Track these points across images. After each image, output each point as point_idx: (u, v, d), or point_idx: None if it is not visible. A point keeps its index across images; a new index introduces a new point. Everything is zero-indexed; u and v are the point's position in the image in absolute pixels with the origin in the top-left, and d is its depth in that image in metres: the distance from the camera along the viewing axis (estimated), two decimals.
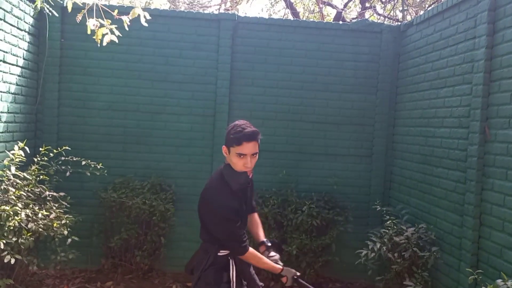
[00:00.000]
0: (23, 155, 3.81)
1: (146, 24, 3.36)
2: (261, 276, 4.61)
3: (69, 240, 3.94)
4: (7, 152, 3.94)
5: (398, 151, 4.94)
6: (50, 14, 4.55)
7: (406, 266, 3.84)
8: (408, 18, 8.74)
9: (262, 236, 2.90)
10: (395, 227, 4.09)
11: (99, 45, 3.45)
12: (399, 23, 5.82)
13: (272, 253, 2.80)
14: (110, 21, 3.33)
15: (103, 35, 3.30)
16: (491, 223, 3.25)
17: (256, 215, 2.97)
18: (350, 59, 5.17)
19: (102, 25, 3.24)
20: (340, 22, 6.07)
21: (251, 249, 2.63)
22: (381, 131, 5.16)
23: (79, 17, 3.39)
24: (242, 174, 2.57)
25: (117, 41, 3.46)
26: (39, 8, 4.39)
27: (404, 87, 4.86)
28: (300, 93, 5.14)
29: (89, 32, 3.31)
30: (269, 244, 2.85)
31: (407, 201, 4.60)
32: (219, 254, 2.64)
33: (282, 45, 5.11)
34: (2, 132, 4.04)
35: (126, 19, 3.32)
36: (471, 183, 3.43)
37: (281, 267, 2.72)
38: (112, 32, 3.34)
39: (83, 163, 4.28)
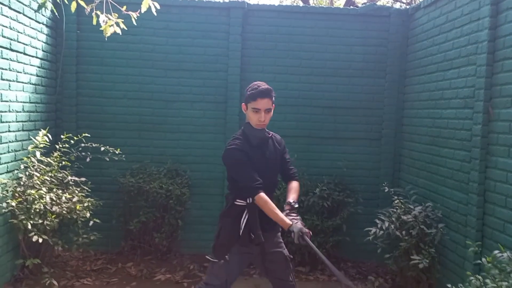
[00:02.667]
0: (48, 141, 4.03)
1: (156, 14, 3.54)
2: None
3: (91, 222, 4.16)
4: (32, 139, 4.15)
5: (407, 133, 5.03)
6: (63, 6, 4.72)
7: (414, 243, 3.96)
8: (416, 1, 8.71)
9: (291, 198, 2.91)
10: (403, 206, 4.21)
11: (106, 38, 3.67)
12: (407, 7, 5.86)
13: (294, 215, 2.78)
14: (117, 15, 3.52)
15: (109, 26, 3.50)
16: (494, 200, 3.35)
17: (294, 182, 3.05)
18: (359, 44, 5.25)
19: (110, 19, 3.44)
20: (349, 7, 6.13)
21: (263, 194, 2.71)
22: (390, 114, 5.25)
23: (87, 10, 3.59)
24: (261, 130, 2.86)
25: (120, 34, 3.65)
26: (45, 5, 4.54)
27: (412, 70, 4.94)
28: (310, 79, 5.24)
29: (94, 22, 3.51)
30: (296, 205, 2.86)
31: (415, 182, 4.70)
32: (235, 203, 2.83)
33: (291, 32, 5.22)
34: (25, 121, 4.26)
35: (133, 14, 3.51)
36: (476, 162, 3.53)
37: (290, 222, 2.67)
38: (117, 25, 3.53)
39: (102, 149, 4.47)
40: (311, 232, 2.70)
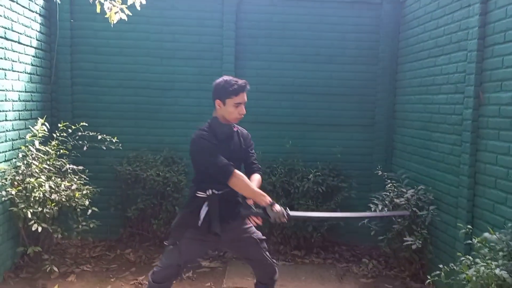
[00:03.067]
0: (46, 130, 4.06)
1: (144, 2, 3.56)
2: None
3: (90, 211, 4.21)
4: (31, 128, 4.18)
5: (399, 119, 5.12)
6: None
7: (406, 225, 4.08)
8: None
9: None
10: (395, 190, 4.32)
11: (112, 25, 3.68)
12: None
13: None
14: (120, 0, 3.53)
15: (114, 13, 3.53)
16: (484, 182, 3.46)
17: (256, 175, 3.09)
18: (352, 31, 5.31)
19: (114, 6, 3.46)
20: None
21: (238, 172, 2.80)
22: (383, 100, 5.33)
23: None
24: (228, 125, 2.97)
25: (126, 19, 3.66)
26: None
27: (404, 57, 5.02)
28: (304, 66, 5.31)
29: (98, 11, 3.52)
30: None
31: (407, 166, 4.81)
32: (197, 195, 2.90)
33: (285, 19, 5.26)
34: (21, 111, 4.28)
35: (137, 1, 3.53)
36: (466, 145, 3.63)
37: (269, 198, 2.79)
38: (122, 11, 3.55)
39: (99, 137, 4.50)
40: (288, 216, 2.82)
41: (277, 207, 2.79)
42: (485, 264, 2.63)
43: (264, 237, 3.11)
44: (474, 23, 3.58)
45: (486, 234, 2.80)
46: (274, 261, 3.14)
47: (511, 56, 3.18)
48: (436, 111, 4.22)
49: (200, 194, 2.91)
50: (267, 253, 3.09)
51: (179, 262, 2.88)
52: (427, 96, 4.41)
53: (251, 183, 2.89)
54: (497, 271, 2.42)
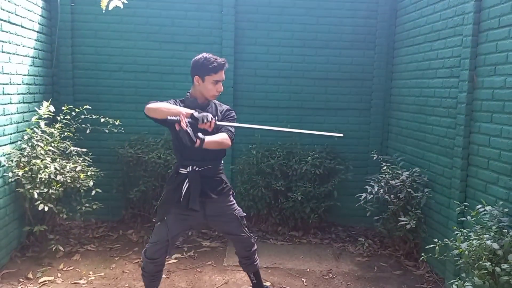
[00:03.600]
0: (51, 111, 4.13)
1: None
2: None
3: (93, 192, 4.31)
4: (36, 109, 4.25)
5: (395, 103, 5.23)
6: None
7: (401, 205, 4.22)
8: None
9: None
10: (391, 172, 4.45)
11: (103, 11, 3.71)
12: None
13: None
14: None
15: (109, 1, 3.54)
16: (477, 163, 3.59)
17: (221, 133, 2.90)
18: (349, 16, 5.38)
19: None
20: None
21: (150, 103, 2.81)
22: (379, 85, 5.44)
23: None
24: (201, 104, 2.99)
25: (122, 7, 3.69)
26: None
27: (401, 42, 5.11)
28: (302, 51, 5.38)
29: None
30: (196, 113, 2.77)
31: (403, 149, 4.94)
32: (179, 171, 3.03)
33: (283, 4, 5.32)
34: (24, 94, 4.34)
35: None
36: (460, 128, 3.75)
37: (190, 111, 2.72)
38: None
39: (102, 120, 4.58)
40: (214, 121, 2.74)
41: (204, 113, 2.75)
42: (477, 238, 2.78)
43: (244, 214, 3.27)
44: (469, 9, 3.67)
45: (479, 207, 2.95)
46: (252, 236, 3.33)
47: (505, 41, 3.28)
48: (431, 95, 4.33)
49: (182, 170, 3.02)
50: (246, 229, 3.26)
51: (167, 238, 3.01)
52: (423, 80, 4.52)
53: (164, 103, 2.82)
54: (488, 242, 2.55)
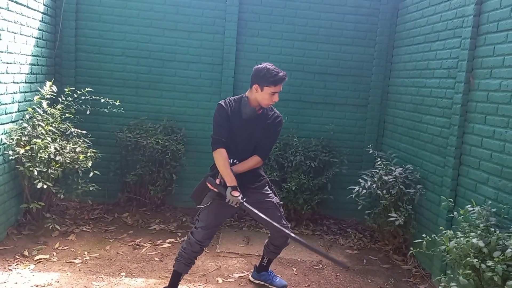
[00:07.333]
0: (54, 91, 4.18)
1: None
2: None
3: (91, 174, 4.37)
4: (39, 89, 4.30)
5: (392, 101, 5.32)
6: None
7: (393, 201, 4.32)
8: None
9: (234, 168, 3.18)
10: (384, 167, 4.54)
11: None
12: None
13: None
14: None
15: None
16: (469, 163, 3.69)
17: (255, 157, 3.24)
18: (352, 13, 5.44)
19: None
20: None
21: (219, 152, 3.09)
22: (377, 82, 5.52)
23: None
24: (252, 108, 3.20)
25: None
26: None
27: (401, 41, 5.18)
28: (303, 45, 5.44)
29: None
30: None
31: (397, 146, 5.03)
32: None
33: None
34: (27, 74, 4.38)
35: None
36: (454, 128, 3.84)
37: (235, 184, 3.03)
38: None
39: (102, 100, 4.63)
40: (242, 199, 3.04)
41: (237, 193, 3.03)
42: (464, 236, 2.87)
43: (281, 202, 3.44)
44: (470, 12, 3.74)
45: (468, 206, 3.04)
46: (289, 227, 3.42)
47: (502, 45, 3.36)
48: (428, 95, 4.42)
49: None
50: (283, 217, 3.40)
51: (215, 223, 3.23)
52: (420, 80, 4.60)
53: (227, 165, 3.09)
54: (474, 240, 2.65)
